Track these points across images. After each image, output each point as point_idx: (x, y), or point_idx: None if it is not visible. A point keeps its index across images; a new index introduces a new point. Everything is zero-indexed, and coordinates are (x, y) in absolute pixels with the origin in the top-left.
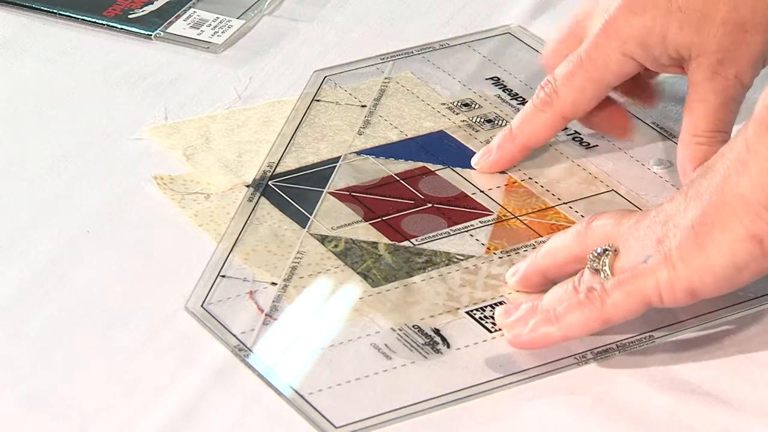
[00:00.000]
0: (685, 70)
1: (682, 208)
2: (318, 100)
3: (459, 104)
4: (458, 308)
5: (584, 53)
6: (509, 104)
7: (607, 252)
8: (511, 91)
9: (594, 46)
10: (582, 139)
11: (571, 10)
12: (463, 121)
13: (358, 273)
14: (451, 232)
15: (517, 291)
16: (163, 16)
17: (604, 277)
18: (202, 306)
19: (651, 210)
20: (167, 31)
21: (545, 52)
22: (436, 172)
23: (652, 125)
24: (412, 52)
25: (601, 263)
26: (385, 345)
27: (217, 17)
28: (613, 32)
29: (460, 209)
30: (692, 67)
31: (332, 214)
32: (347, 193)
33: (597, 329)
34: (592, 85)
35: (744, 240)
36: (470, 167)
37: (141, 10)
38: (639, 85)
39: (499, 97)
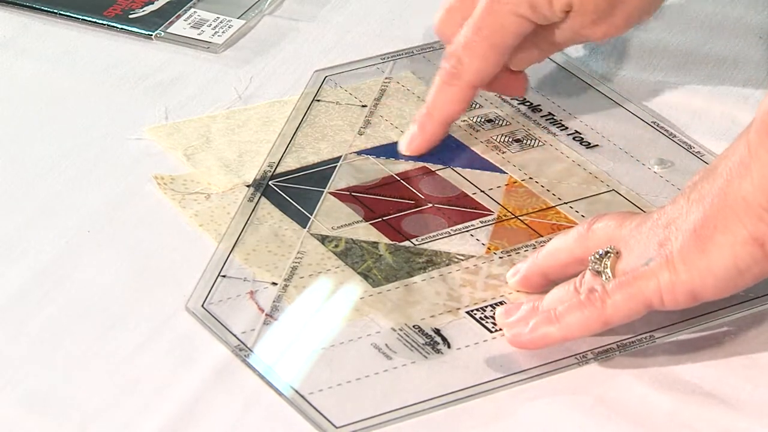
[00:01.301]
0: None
1: (684, 211)
2: (318, 100)
3: None
4: (459, 308)
5: (479, 20)
6: (509, 104)
7: (608, 254)
8: None
9: (488, 12)
10: (582, 139)
11: None
12: (464, 120)
13: (358, 273)
14: (452, 232)
15: (518, 291)
16: (164, 16)
17: (606, 278)
18: (202, 306)
19: (653, 212)
20: (168, 31)
21: (437, 20)
22: (437, 172)
23: (653, 125)
24: (412, 52)
25: (602, 265)
26: (386, 345)
27: (218, 17)
28: None
29: (460, 209)
30: (568, 20)
31: (333, 214)
32: (348, 193)
33: (597, 330)
34: (493, 50)
35: (746, 243)
36: (470, 167)
37: (141, 10)
38: (507, 76)
39: (499, 97)
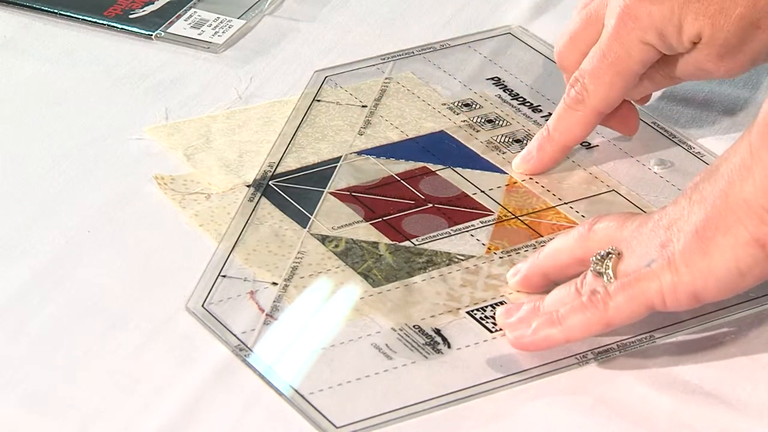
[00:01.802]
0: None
1: (685, 213)
2: (319, 100)
3: (460, 104)
4: (459, 308)
5: (605, 46)
6: (510, 104)
7: (610, 255)
8: (512, 91)
9: (615, 38)
10: None
11: (571, 11)
12: (464, 121)
13: (358, 273)
14: (452, 232)
15: (518, 291)
16: (164, 16)
17: (607, 280)
18: (202, 306)
19: (654, 213)
20: (168, 31)
21: (559, 48)
22: (437, 172)
23: (653, 125)
24: (412, 52)
25: (604, 266)
26: (386, 345)
27: (218, 17)
28: (632, 22)
29: (460, 209)
30: (694, 52)
31: (333, 214)
32: (348, 193)
33: (599, 332)
34: (619, 77)
35: (747, 245)
36: (471, 167)
37: (141, 10)
38: (621, 113)
39: (499, 97)
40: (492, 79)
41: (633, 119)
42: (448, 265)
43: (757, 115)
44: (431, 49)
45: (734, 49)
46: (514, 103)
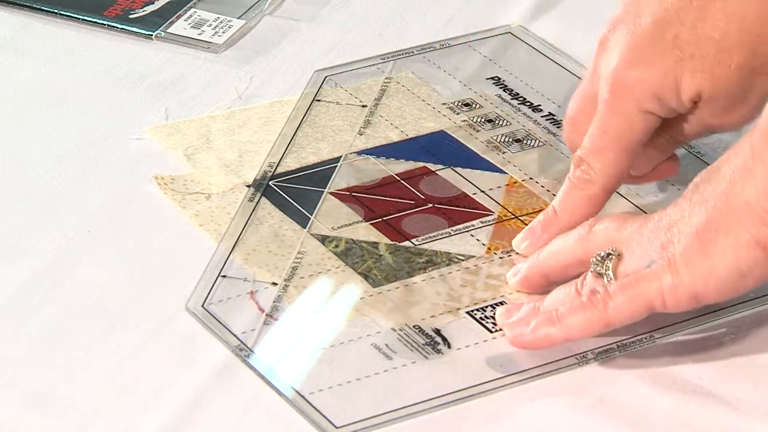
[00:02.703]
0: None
1: (686, 214)
2: (319, 100)
3: (460, 104)
4: (459, 308)
5: (604, 123)
6: (510, 104)
7: (610, 256)
8: (512, 90)
9: (612, 112)
10: None
11: (572, 11)
12: (464, 121)
13: (358, 273)
14: (452, 232)
15: (518, 291)
16: (164, 16)
17: (608, 280)
18: (202, 306)
19: (654, 214)
20: (168, 31)
21: (566, 135)
22: (437, 172)
23: None
24: (412, 51)
25: (604, 267)
26: (386, 345)
27: (218, 17)
28: (626, 92)
29: (460, 209)
30: (697, 110)
31: (333, 214)
32: (348, 193)
33: (598, 332)
34: (624, 152)
35: (748, 246)
36: (471, 167)
37: (141, 10)
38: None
39: (499, 97)
40: (492, 78)
41: (673, 163)
42: (448, 265)
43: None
44: (431, 49)
45: (738, 100)
46: (514, 102)
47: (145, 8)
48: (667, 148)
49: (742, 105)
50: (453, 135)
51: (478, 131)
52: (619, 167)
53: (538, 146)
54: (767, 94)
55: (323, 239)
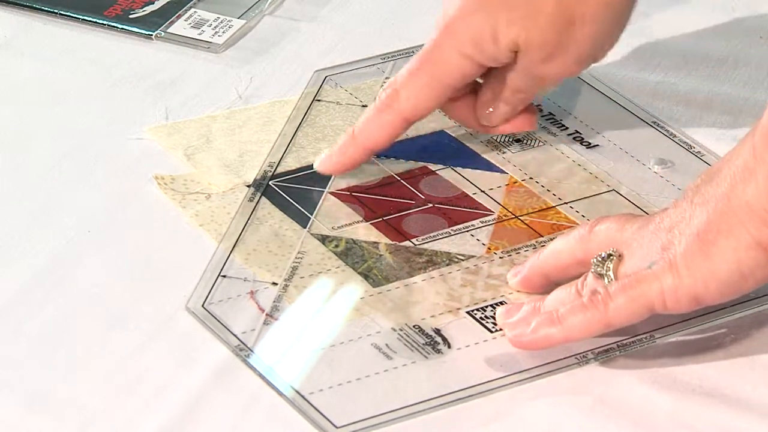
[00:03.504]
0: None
1: (687, 215)
2: (319, 100)
3: None
4: (459, 308)
5: (423, 57)
6: None
7: (611, 256)
8: None
9: (435, 47)
10: (582, 138)
11: None
12: None
13: (358, 273)
14: (452, 232)
15: (519, 291)
16: (164, 16)
17: (608, 281)
18: (202, 306)
19: (654, 215)
20: (168, 31)
21: None
22: (437, 171)
23: (653, 125)
24: (412, 51)
25: (605, 267)
26: (386, 345)
27: (218, 17)
28: (451, 33)
29: (460, 209)
30: (519, 60)
31: (333, 214)
32: (348, 193)
33: (599, 332)
34: (432, 86)
35: (749, 247)
36: (471, 167)
37: (142, 10)
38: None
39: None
40: None
41: (530, 117)
42: (448, 265)
43: (759, 116)
44: None
45: (557, 50)
46: None
47: (145, 8)
48: (514, 101)
49: (563, 55)
50: (453, 135)
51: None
52: (424, 102)
53: (538, 146)
54: (586, 46)
55: (323, 239)
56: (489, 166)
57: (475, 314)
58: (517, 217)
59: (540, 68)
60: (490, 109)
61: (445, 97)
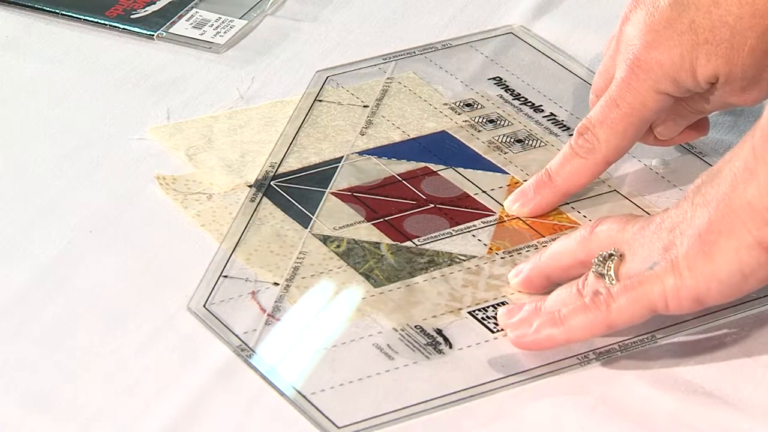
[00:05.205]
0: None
1: (688, 216)
2: (320, 101)
3: (461, 104)
4: (460, 308)
5: (617, 96)
6: (511, 104)
7: (612, 257)
8: (514, 91)
9: (626, 89)
10: None
11: (573, 11)
12: (466, 121)
13: (360, 273)
14: (453, 233)
15: (520, 292)
16: (166, 16)
17: (609, 281)
18: (204, 306)
19: (656, 216)
20: (169, 31)
21: (591, 103)
22: (439, 172)
23: None
24: (414, 52)
25: (606, 268)
26: (388, 345)
27: (220, 17)
28: (643, 72)
29: (462, 209)
30: (716, 90)
31: (334, 215)
32: (349, 193)
33: (601, 333)
34: (632, 127)
35: (751, 247)
36: (472, 167)
37: (143, 10)
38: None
39: (501, 97)
40: (493, 79)
41: (703, 125)
42: (449, 265)
43: (759, 116)
44: (433, 49)
45: (754, 80)
46: (516, 103)
47: (146, 8)
48: (692, 117)
49: (758, 84)
50: (454, 135)
51: (479, 131)
52: (625, 141)
53: (539, 146)
54: None
55: (325, 239)
56: (490, 167)
57: (477, 314)
58: (518, 217)
59: (737, 97)
60: (669, 124)
61: (643, 132)
